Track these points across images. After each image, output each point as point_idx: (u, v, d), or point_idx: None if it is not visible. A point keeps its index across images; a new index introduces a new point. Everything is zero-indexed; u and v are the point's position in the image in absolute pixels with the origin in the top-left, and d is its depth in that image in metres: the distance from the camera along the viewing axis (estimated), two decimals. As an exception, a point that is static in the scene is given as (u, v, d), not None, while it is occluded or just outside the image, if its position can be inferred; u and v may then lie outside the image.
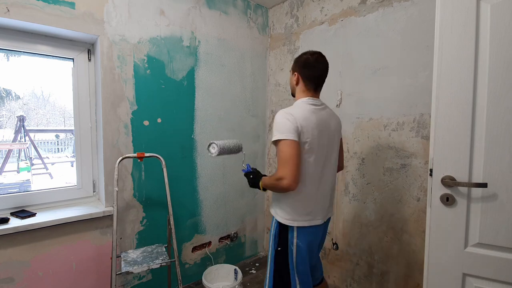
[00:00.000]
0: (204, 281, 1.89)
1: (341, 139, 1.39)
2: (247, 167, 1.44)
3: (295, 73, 1.27)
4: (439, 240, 1.09)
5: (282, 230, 1.24)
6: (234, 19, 2.29)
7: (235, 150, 1.52)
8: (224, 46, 2.23)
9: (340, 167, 1.44)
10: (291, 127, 1.10)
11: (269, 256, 1.30)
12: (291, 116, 1.12)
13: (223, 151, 1.44)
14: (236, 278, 2.01)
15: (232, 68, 2.30)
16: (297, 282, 1.22)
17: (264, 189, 1.29)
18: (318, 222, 1.23)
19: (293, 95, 1.33)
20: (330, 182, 1.29)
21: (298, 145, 1.11)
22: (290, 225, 1.20)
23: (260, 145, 2.57)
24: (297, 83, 1.27)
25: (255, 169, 1.42)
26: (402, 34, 1.63)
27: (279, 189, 1.15)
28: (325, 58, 1.25)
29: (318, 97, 1.27)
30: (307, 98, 1.23)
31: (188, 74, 2.03)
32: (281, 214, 1.23)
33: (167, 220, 1.75)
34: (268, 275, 1.29)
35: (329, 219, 1.35)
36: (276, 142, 1.14)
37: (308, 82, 1.24)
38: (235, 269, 2.05)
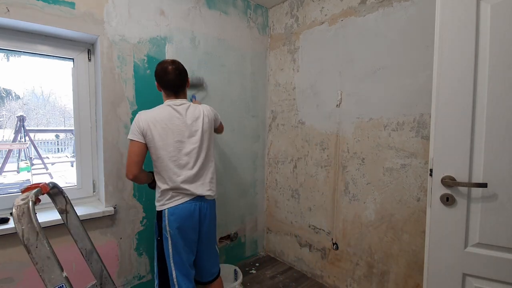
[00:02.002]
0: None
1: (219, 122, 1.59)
2: (192, 96, 1.97)
3: (156, 82, 1.44)
4: (439, 240, 1.09)
5: (159, 219, 1.39)
6: (234, 19, 2.29)
7: (194, 83, 1.96)
8: (224, 46, 2.23)
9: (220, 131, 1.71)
10: (134, 128, 1.33)
11: (154, 245, 1.47)
12: (138, 118, 1.34)
13: None
14: (236, 278, 2.01)
15: (232, 68, 2.30)
16: (173, 268, 1.36)
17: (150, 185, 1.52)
18: (187, 198, 1.37)
19: None
20: (197, 169, 1.40)
21: (139, 143, 1.32)
22: (162, 209, 1.37)
23: (260, 145, 2.57)
24: (159, 90, 1.46)
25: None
26: (402, 34, 1.63)
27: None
28: (177, 65, 1.39)
29: (180, 98, 1.43)
30: (167, 100, 1.42)
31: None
32: (156, 203, 1.41)
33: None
34: (155, 263, 1.47)
35: (207, 204, 1.44)
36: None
37: (165, 89, 1.42)
38: (235, 270, 2.05)
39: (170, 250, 1.36)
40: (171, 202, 1.36)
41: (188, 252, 1.39)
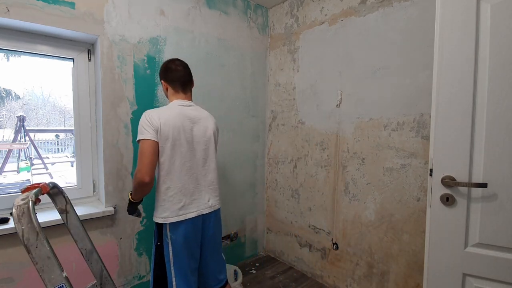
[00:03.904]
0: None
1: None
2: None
3: (162, 81, 1.39)
4: (439, 240, 1.09)
5: (159, 226, 1.30)
6: (234, 19, 2.29)
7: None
8: (224, 46, 2.23)
9: None
10: (148, 125, 1.22)
11: (152, 252, 1.37)
12: (150, 116, 1.24)
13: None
14: (236, 279, 2.01)
15: (232, 68, 2.30)
16: (173, 275, 1.28)
17: (134, 202, 1.34)
18: (191, 215, 1.29)
19: None
20: (203, 176, 1.36)
21: (154, 141, 1.21)
22: (163, 222, 1.26)
23: (260, 145, 2.57)
24: (167, 89, 1.39)
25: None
26: (402, 34, 1.62)
27: (137, 185, 1.22)
28: (182, 61, 1.40)
29: (188, 99, 1.39)
30: (175, 100, 1.35)
31: (188, 74, 2.03)
32: (156, 214, 1.30)
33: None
34: (151, 270, 1.36)
35: (212, 214, 1.38)
36: (138, 142, 1.24)
37: (173, 84, 1.36)
38: (235, 270, 2.05)
39: (171, 256, 1.27)
40: (173, 217, 1.26)
41: (190, 258, 1.32)
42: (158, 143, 1.22)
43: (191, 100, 1.41)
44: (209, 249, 1.41)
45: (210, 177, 1.39)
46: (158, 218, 1.28)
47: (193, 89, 1.47)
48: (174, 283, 1.28)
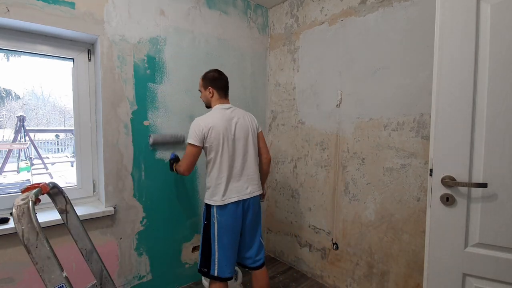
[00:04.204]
0: (204, 281, 1.89)
1: (261, 133, 1.71)
2: (172, 155, 1.82)
3: (209, 87, 1.59)
4: (439, 240, 1.09)
5: (208, 208, 1.55)
6: (234, 19, 2.29)
7: (172, 141, 1.95)
8: (224, 46, 2.23)
9: (266, 158, 1.73)
10: (195, 133, 1.48)
11: (201, 229, 1.62)
12: (198, 125, 1.49)
13: (156, 142, 1.87)
14: (236, 279, 2.00)
15: (232, 68, 2.30)
16: (216, 249, 1.51)
17: (174, 170, 1.72)
18: (233, 200, 1.52)
19: (208, 106, 1.67)
20: (243, 169, 1.57)
21: (198, 147, 1.50)
22: (211, 204, 1.52)
23: (260, 145, 2.57)
24: (212, 95, 1.59)
25: (177, 156, 1.80)
26: (402, 34, 1.63)
27: (179, 173, 1.64)
28: (221, 71, 1.64)
29: (228, 102, 1.62)
30: (218, 104, 1.58)
31: (188, 74, 2.03)
32: (206, 197, 1.57)
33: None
34: (200, 243, 1.59)
35: (250, 200, 1.58)
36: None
37: (219, 91, 1.59)
38: (235, 270, 2.05)
39: (216, 234, 1.51)
40: (218, 201, 1.50)
41: (231, 237, 1.53)
42: (200, 147, 1.50)
43: (229, 103, 1.62)
44: (249, 231, 1.61)
45: (248, 169, 1.59)
46: (208, 200, 1.54)
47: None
48: (216, 256, 1.51)
